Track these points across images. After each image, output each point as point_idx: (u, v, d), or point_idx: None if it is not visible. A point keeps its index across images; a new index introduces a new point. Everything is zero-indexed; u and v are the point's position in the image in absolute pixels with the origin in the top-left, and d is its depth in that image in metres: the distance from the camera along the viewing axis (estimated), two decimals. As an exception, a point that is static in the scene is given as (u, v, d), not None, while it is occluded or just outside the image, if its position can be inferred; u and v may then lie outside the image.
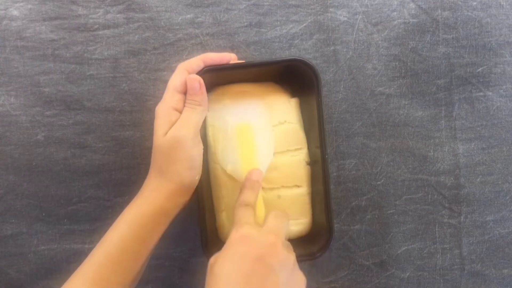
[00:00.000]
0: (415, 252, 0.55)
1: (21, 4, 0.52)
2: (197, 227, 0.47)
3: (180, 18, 0.53)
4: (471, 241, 0.56)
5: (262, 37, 0.53)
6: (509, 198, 0.56)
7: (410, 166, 0.55)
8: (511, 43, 0.55)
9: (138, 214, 0.42)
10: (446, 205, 0.55)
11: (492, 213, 0.56)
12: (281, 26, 0.53)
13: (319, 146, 0.47)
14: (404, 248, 0.55)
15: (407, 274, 0.56)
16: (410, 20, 0.54)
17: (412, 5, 0.54)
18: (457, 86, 0.55)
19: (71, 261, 0.53)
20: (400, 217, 0.55)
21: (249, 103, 0.49)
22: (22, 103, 0.52)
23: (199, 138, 0.44)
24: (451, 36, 0.55)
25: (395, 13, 0.54)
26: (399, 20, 0.54)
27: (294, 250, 0.42)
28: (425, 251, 0.56)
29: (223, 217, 0.50)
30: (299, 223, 0.51)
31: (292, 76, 0.49)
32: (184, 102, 0.44)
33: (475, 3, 0.55)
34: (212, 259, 0.39)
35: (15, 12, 0.52)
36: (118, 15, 0.52)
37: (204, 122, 0.49)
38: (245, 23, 0.53)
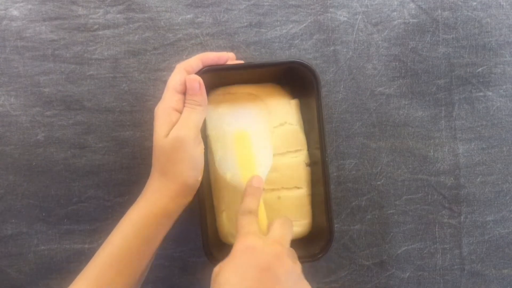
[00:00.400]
0: (415, 252, 0.55)
1: (21, 4, 0.52)
2: (198, 227, 0.47)
3: (180, 18, 0.53)
4: (471, 241, 0.56)
5: (262, 37, 0.53)
6: (509, 198, 0.56)
7: (410, 166, 0.55)
8: (511, 43, 0.55)
9: (142, 215, 0.42)
10: (446, 205, 0.55)
11: (492, 213, 0.56)
12: (281, 26, 0.53)
13: (319, 148, 0.47)
14: (404, 248, 0.55)
15: (407, 274, 0.56)
16: (410, 20, 0.54)
17: (412, 5, 0.54)
18: (457, 86, 0.55)
19: (71, 261, 0.53)
20: (400, 217, 0.55)
21: (246, 108, 0.49)
22: (22, 103, 0.52)
23: (200, 138, 0.44)
24: (451, 36, 0.55)
25: (395, 13, 0.54)
26: (399, 20, 0.54)
27: (295, 251, 0.42)
28: (425, 251, 0.56)
29: (223, 217, 0.50)
30: (299, 225, 0.51)
31: (292, 78, 0.49)
32: (184, 102, 0.44)
33: (475, 3, 0.55)
34: (216, 268, 0.38)
35: (15, 12, 0.52)
36: (118, 15, 0.52)
37: (204, 123, 0.49)
38: (245, 23, 0.53)
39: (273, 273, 0.37)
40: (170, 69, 0.45)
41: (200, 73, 0.44)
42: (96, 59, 0.52)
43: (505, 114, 0.55)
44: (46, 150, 0.53)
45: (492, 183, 0.56)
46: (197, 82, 0.43)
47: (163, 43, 0.53)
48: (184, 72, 0.44)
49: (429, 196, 0.55)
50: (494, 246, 0.56)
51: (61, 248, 0.53)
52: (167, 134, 0.42)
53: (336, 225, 0.54)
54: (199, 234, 0.47)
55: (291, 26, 0.54)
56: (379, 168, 0.55)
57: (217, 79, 0.49)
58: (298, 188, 0.50)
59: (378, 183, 0.55)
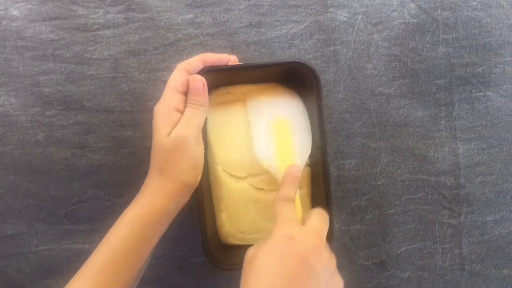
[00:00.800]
0: (415, 252, 0.55)
1: (21, 4, 0.52)
2: (197, 227, 0.47)
3: (180, 18, 0.53)
4: (471, 241, 0.56)
5: (262, 37, 0.53)
6: (509, 198, 0.56)
7: (410, 166, 0.55)
8: (511, 43, 0.55)
9: (140, 214, 0.42)
10: (446, 205, 0.55)
11: (492, 213, 0.56)
12: (281, 26, 0.53)
13: (320, 148, 0.47)
14: (404, 248, 0.55)
15: (407, 274, 0.56)
16: (410, 20, 0.54)
17: (412, 5, 0.54)
18: (457, 86, 0.55)
19: (71, 261, 0.53)
20: (400, 217, 0.55)
21: (284, 100, 0.50)
22: (22, 103, 0.52)
23: (201, 139, 0.44)
24: (451, 36, 0.55)
25: (395, 13, 0.54)
26: (399, 20, 0.54)
27: None
28: (425, 251, 0.56)
29: (223, 217, 0.50)
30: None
31: (292, 78, 0.49)
32: (185, 102, 0.44)
33: (475, 3, 0.55)
34: (252, 251, 0.39)
35: (15, 12, 0.52)
36: (118, 15, 0.52)
37: (205, 122, 0.49)
38: (245, 23, 0.53)
39: (310, 265, 0.37)
40: (170, 69, 0.45)
41: (201, 73, 0.44)
42: (96, 59, 0.52)
43: (505, 114, 0.55)
44: (46, 150, 0.52)
45: (492, 183, 0.56)
46: (201, 82, 0.43)
47: (163, 43, 0.53)
48: (185, 72, 0.44)
49: (429, 196, 0.55)
50: (494, 246, 0.56)
51: (61, 248, 0.53)
52: (169, 134, 0.42)
53: (336, 225, 0.54)
54: (199, 234, 0.47)
55: (291, 26, 0.54)
56: (379, 168, 0.55)
57: (217, 80, 0.49)
58: (299, 188, 0.50)
59: (378, 183, 0.55)
